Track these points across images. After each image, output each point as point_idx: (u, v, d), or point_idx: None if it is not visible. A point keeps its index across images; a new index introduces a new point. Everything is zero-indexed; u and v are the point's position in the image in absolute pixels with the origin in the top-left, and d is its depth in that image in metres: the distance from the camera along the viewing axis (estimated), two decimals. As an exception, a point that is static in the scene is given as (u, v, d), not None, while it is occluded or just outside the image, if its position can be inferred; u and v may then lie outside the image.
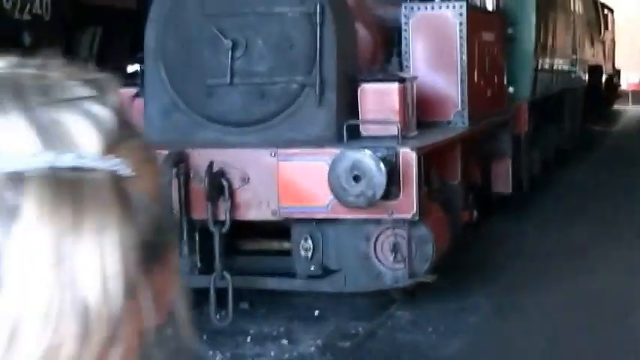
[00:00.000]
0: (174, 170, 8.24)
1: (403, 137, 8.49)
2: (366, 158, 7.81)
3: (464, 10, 10.01)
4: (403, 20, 10.08)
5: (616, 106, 36.45)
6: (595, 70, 26.27)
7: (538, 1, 14.49)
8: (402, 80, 8.82)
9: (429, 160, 9.04)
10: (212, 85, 8.64)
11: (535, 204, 14.53)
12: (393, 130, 8.47)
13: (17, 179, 0.96)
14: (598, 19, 27.27)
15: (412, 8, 10.11)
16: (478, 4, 11.71)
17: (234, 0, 8.59)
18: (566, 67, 18.38)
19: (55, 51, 1.14)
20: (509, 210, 13.46)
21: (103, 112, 1.03)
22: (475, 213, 11.46)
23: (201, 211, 8.34)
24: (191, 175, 8.31)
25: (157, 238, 1.05)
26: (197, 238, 8.43)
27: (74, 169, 0.98)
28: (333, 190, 7.90)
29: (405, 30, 10.09)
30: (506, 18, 12.98)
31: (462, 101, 10.03)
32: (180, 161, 8.29)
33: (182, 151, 8.32)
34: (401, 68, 9.99)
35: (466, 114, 10.04)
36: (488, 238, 12.21)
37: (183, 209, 8.31)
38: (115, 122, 1.03)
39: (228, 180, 8.27)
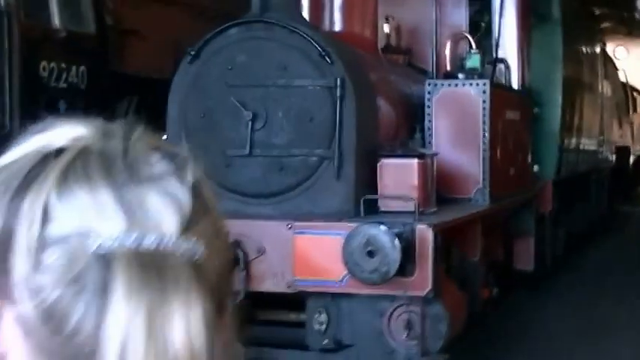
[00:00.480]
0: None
1: (421, 213, 8.40)
2: (381, 234, 7.74)
3: (487, 88, 9.98)
4: (427, 97, 10.04)
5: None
6: (623, 151, 26.15)
7: (565, 82, 14.47)
8: (421, 156, 8.77)
9: (448, 236, 8.98)
10: (231, 156, 8.63)
11: (557, 283, 14.41)
12: (411, 206, 8.43)
13: (107, 259, 1.05)
14: (627, 101, 27.21)
15: (436, 85, 10.08)
16: (504, 82, 11.68)
17: (256, 72, 8.59)
18: (592, 148, 18.32)
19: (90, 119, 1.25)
20: (531, 288, 13.34)
21: (181, 192, 1.13)
22: (495, 290, 11.37)
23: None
24: (207, 245, 8.27)
25: (222, 295, 1.17)
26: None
27: (157, 249, 1.07)
28: (347, 264, 7.82)
29: (429, 106, 10.05)
30: (532, 97, 12.94)
31: (484, 179, 9.96)
32: (196, 231, 8.25)
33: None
34: (424, 144, 9.96)
35: (487, 192, 9.96)
36: (507, 315, 12.09)
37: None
38: (191, 202, 1.13)
39: (243, 250, 8.23)
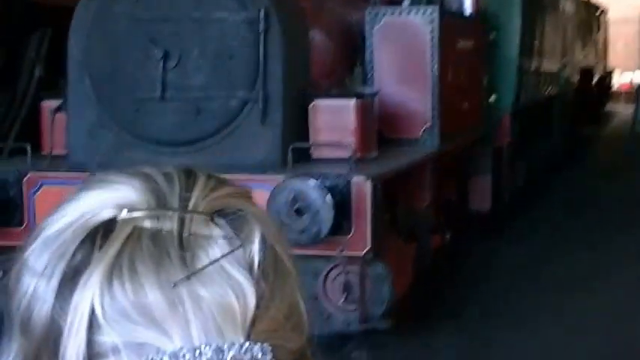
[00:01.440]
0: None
1: (359, 161, 7.38)
2: (310, 189, 6.71)
3: (436, 16, 8.85)
4: (367, 27, 8.92)
5: (608, 107, 35.33)
6: (586, 72, 25.17)
7: (523, 3, 13.35)
8: (359, 96, 7.69)
9: (392, 185, 7.95)
10: (141, 100, 7.52)
11: (515, 222, 13.38)
12: (348, 153, 7.42)
13: None
14: (590, 19, 26.16)
15: (377, 14, 8.94)
16: (454, 7, 10.58)
17: (168, 4, 7.48)
18: (554, 72, 17.22)
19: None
20: (488, 229, 12.29)
21: (244, 279, 0.99)
22: (448, 235, 10.37)
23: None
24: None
25: None
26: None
27: None
28: (272, 224, 6.81)
29: (369, 38, 8.95)
30: (488, 23, 11.82)
31: (433, 117, 8.87)
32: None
33: (105, 175, 7.24)
34: (364, 80, 8.90)
35: (437, 131, 8.88)
36: (460, 265, 11.08)
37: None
38: (255, 292, 0.99)
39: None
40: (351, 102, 7.56)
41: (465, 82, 10.04)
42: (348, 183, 6.85)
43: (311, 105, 7.59)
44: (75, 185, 1.08)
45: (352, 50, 8.99)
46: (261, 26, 7.30)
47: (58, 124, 7.84)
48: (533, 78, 14.67)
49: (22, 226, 7.36)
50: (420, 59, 8.86)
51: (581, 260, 11.12)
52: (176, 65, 7.42)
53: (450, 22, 9.51)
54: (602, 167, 20.70)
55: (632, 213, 14.18)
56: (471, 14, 10.70)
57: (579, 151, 22.39)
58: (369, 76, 8.88)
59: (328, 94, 7.63)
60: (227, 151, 7.41)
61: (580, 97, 23.03)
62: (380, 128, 8.72)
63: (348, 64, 8.93)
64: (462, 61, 9.93)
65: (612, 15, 33.83)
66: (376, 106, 8.30)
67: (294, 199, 6.69)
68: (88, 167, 7.21)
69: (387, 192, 7.87)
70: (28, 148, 7.60)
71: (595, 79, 28.18)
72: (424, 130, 8.87)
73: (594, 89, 28.29)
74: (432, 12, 8.84)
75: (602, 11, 30.73)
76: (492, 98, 12.28)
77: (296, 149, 7.26)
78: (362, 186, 6.86)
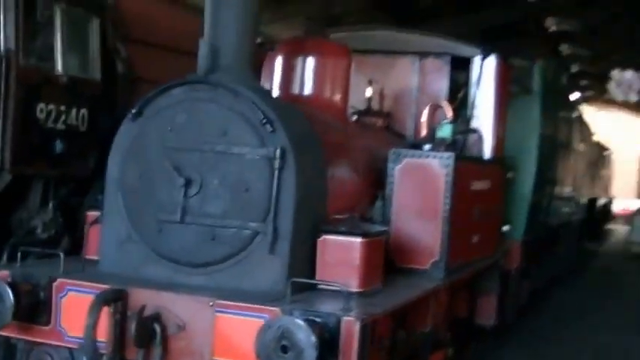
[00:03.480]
0: (112, 307, 5.65)
1: (362, 295, 5.81)
2: (297, 328, 5.06)
3: (451, 162, 7.21)
4: (390, 166, 7.33)
5: (609, 226, 33.64)
6: (593, 200, 23.32)
7: (540, 149, 11.66)
8: (366, 235, 6.05)
9: (396, 313, 6.34)
10: (164, 221, 5.98)
11: (518, 332, 11.57)
12: (353, 283, 5.82)
13: None
14: (599, 157, 24.31)
15: (399, 155, 7.34)
16: (476, 151, 8.91)
17: (195, 136, 5.95)
18: (564, 205, 15.40)
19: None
20: (492, 340, 10.52)
21: None
22: (451, 350, 8.62)
23: (134, 353, 5.69)
24: (128, 314, 5.67)
25: None
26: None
27: None
28: (259, 356, 5.16)
29: (391, 175, 7.34)
30: (506, 163, 10.12)
31: (440, 252, 7.21)
32: (117, 299, 5.67)
33: (121, 289, 5.70)
34: (384, 214, 7.29)
35: (443, 265, 7.19)
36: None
37: (117, 349, 5.67)
38: None
39: (162, 324, 5.60)
40: (357, 240, 5.93)
41: (479, 218, 8.34)
42: (339, 322, 5.21)
43: (320, 239, 5.97)
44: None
45: (376, 185, 7.37)
46: (277, 164, 5.75)
47: (93, 236, 6.38)
48: (545, 210, 12.89)
49: (48, 325, 5.89)
50: (434, 199, 7.21)
51: None
52: (197, 193, 5.88)
53: (466, 166, 7.85)
54: (598, 283, 18.76)
55: (609, 322, 12.48)
56: (490, 158, 8.98)
57: (582, 264, 20.43)
58: (388, 210, 7.24)
59: (336, 231, 5.98)
60: (237, 276, 5.84)
61: (587, 219, 21.12)
62: (392, 257, 7.13)
63: (372, 197, 7.32)
64: (476, 200, 8.25)
65: (616, 155, 32.41)
66: (389, 241, 6.74)
67: (282, 336, 5.07)
68: (113, 280, 5.75)
69: (394, 318, 6.30)
70: (62, 256, 6.11)
71: (600, 206, 26.26)
72: (432, 263, 7.20)
73: (599, 213, 26.38)
74: (448, 157, 7.21)
75: (610, 151, 29.00)
76: (506, 228, 10.58)
77: (298, 281, 5.64)
78: (351, 326, 5.21)
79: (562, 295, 15.65)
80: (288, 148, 5.78)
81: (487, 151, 8.98)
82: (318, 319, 5.20)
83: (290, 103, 6.61)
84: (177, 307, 5.57)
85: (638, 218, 25.30)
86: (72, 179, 9.02)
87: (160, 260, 6.00)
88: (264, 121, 5.78)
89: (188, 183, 5.84)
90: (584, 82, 38.71)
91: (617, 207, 36.26)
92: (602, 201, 27.19)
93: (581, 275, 18.90)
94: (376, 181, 7.38)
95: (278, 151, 5.73)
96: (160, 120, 6.05)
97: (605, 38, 26.48)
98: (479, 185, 8.31)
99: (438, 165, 7.22)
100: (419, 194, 7.25)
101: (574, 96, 20.39)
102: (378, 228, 6.47)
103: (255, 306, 5.38)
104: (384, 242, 6.40)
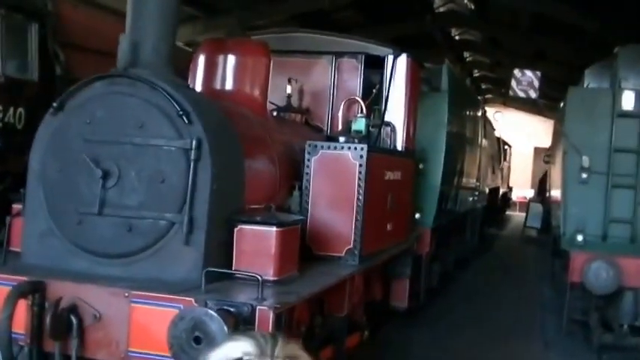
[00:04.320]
0: (30, 300, 4.99)
1: (277, 282, 5.26)
2: (209, 320, 4.49)
3: (364, 153, 6.71)
4: (306, 157, 6.79)
5: (508, 212, 33.64)
6: (495, 190, 23.10)
7: (447, 142, 11.22)
8: (281, 224, 5.49)
9: (312, 300, 5.81)
10: (83, 214, 5.34)
11: (429, 313, 11.14)
12: (269, 272, 5.26)
13: None
14: (500, 152, 24.11)
15: (316, 146, 6.80)
16: (389, 142, 8.40)
17: (113, 128, 5.32)
18: (469, 194, 15.03)
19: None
20: (405, 319, 10.05)
21: None
22: (366, 333, 8.11)
23: (52, 345, 5.04)
24: (46, 306, 5.02)
25: None
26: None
27: None
28: (171, 348, 4.57)
29: (308, 166, 6.80)
30: (417, 155, 9.65)
31: (355, 240, 6.68)
32: (35, 291, 5.01)
33: (39, 280, 5.05)
34: (301, 204, 6.74)
35: (357, 252, 6.69)
36: (380, 351, 8.83)
37: (35, 341, 5.02)
38: None
39: (78, 316, 4.97)
40: (272, 229, 5.36)
41: (391, 207, 7.83)
42: (253, 311, 4.64)
43: (236, 228, 5.39)
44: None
45: (294, 176, 6.81)
46: (193, 155, 5.15)
47: (15, 229, 5.71)
48: (452, 198, 12.47)
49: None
50: (349, 189, 6.69)
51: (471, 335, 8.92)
52: (115, 185, 5.25)
53: (379, 157, 7.35)
54: (498, 264, 18.47)
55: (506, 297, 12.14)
56: (402, 150, 8.48)
57: (485, 247, 20.16)
58: (305, 199, 6.70)
59: (252, 220, 5.40)
60: (154, 267, 5.22)
61: (489, 206, 20.86)
62: (309, 245, 6.60)
63: (290, 188, 6.77)
64: (389, 189, 7.75)
65: (514, 149, 32.44)
66: (306, 230, 6.21)
67: (194, 327, 4.48)
68: (33, 272, 5.08)
69: (310, 305, 5.77)
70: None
71: (500, 195, 26.10)
72: (347, 250, 6.67)
73: (499, 201, 26.21)
74: (362, 149, 6.68)
75: (509, 146, 28.91)
76: (417, 216, 10.13)
77: (218, 268, 5.07)
78: (265, 315, 4.64)
79: (467, 276, 15.29)
80: (204, 140, 5.19)
81: (399, 144, 8.48)
82: (232, 309, 4.63)
83: (208, 97, 6.01)
84: (94, 298, 4.94)
85: (532, 205, 25.17)
86: (9, 174, 8.46)
87: (80, 252, 5.36)
88: (181, 113, 5.18)
89: (106, 175, 5.22)
90: (485, 86, 38.75)
91: (515, 196, 36.36)
92: (502, 190, 27.03)
93: (484, 257, 18.61)
94: (294, 173, 6.83)
95: (194, 143, 5.13)
96: (80, 113, 5.41)
97: (504, 48, 26.33)
98: (391, 175, 7.81)
99: (352, 156, 6.70)
100: (334, 184, 6.72)
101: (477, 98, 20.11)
102: (294, 217, 5.91)
103: (170, 296, 4.78)
104: (300, 231, 5.83)
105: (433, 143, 10.89)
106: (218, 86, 6.76)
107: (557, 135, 14.18)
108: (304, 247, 6.53)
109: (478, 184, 16.28)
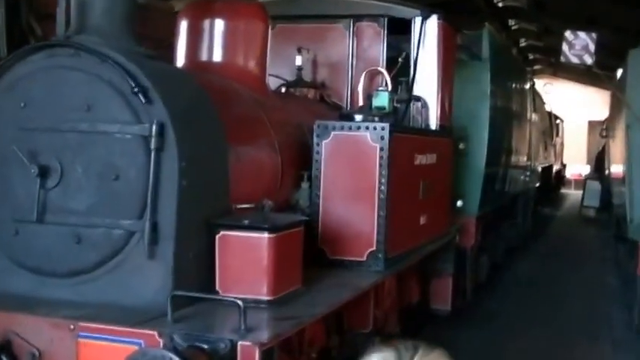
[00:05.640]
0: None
1: (273, 304, 4.17)
2: (168, 365, 3.43)
3: (386, 134, 5.56)
4: (315, 141, 5.67)
5: (563, 190, 32.17)
6: (547, 169, 21.77)
7: (492, 118, 10.01)
8: (275, 228, 4.38)
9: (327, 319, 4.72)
10: (20, 222, 4.31)
11: (477, 313, 9.97)
12: (262, 291, 4.18)
13: None
14: (551, 127, 22.73)
15: (326, 127, 5.69)
16: (420, 120, 7.25)
17: (53, 113, 4.25)
18: (520, 174, 13.76)
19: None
20: (450, 322, 8.90)
21: None
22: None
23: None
24: (-27, 344, 3.99)
25: None
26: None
27: None
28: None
29: (318, 153, 5.68)
30: (456, 134, 8.47)
31: (378, 241, 5.55)
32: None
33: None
34: (311, 198, 5.64)
35: (382, 255, 5.54)
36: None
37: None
38: None
39: (12, 355, 3.93)
40: (264, 235, 4.26)
41: (425, 196, 6.70)
42: (234, 348, 3.56)
43: (218, 236, 4.30)
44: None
45: (302, 164, 5.71)
46: (154, 143, 4.06)
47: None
48: (500, 181, 11.25)
49: None
50: (368, 178, 5.57)
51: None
52: (57, 184, 4.20)
53: (407, 138, 6.20)
54: (556, 249, 17.15)
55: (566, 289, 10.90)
56: (437, 129, 7.32)
57: (540, 231, 18.83)
58: (315, 192, 5.59)
59: (238, 225, 4.31)
60: (110, 288, 4.17)
61: (542, 185, 19.54)
62: (323, 248, 5.50)
63: (297, 179, 5.67)
64: (422, 174, 6.61)
65: (567, 123, 31.02)
66: (317, 229, 5.13)
67: (150, 376, 3.41)
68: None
69: (326, 322, 4.69)
70: None
71: (554, 173, 24.74)
72: (369, 254, 5.55)
73: (553, 179, 24.85)
74: (383, 128, 5.54)
75: (561, 120, 27.49)
76: (459, 203, 8.97)
77: (191, 290, 3.99)
78: (250, 353, 3.56)
79: (520, 267, 14.06)
80: (168, 124, 4.10)
81: (433, 121, 7.32)
82: (205, 346, 3.56)
83: (182, 70, 4.92)
84: (32, 331, 3.91)
85: (589, 183, 23.81)
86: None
87: (18, 270, 4.32)
88: (136, 89, 4.08)
89: (44, 172, 4.17)
90: (533, 56, 37.19)
91: (569, 173, 34.90)
92: (555, 168, 25.69)
93: (539, 243, 17.33)
94: (302, 160, 5.72)
95: (154, 128, 4.04)
96: (12, 95, 4.36)
97: (552, 13, 24.87)
98: (423, 159, 6.66)
99: (372, 137, 5.57)
100: (350, 173, 5.61)
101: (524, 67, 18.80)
102: (293, 218, 4.80)
103: (126, 329, 3.73)
104: (304, 234, 4.72)
105: (475, 119, 9.70)
106: (204, 57, 5.69)
107: (616, 107, 12.88)
108: (316, 251, 5.46)
109: (529, 162, 15.02)
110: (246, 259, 4.27)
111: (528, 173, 14.85)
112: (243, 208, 4.66)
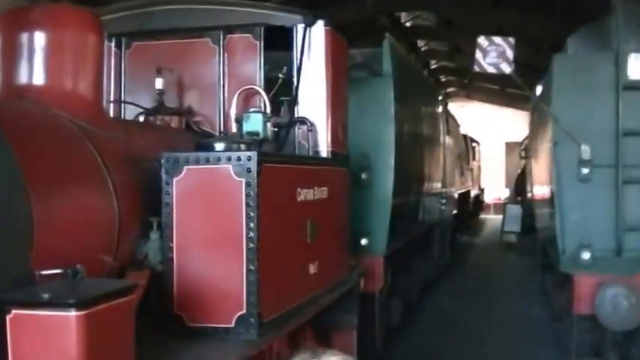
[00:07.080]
0: None
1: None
2: None
3: (253, 165, 4.53)
4: (164, 179, 4.60)
5: (482, 216, 31.75)
6: (465, 195, 21.10)
7: (399, 142, 9.07)
8: (87, 303, 3.26)
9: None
10: None
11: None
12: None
13: None
14: (467, 150, 22.14)
15: (177, 160, 4.61)
16: (307, 147, 6.25)
17: None
18: (434, 202, 12.89)
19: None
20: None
21: None
22: None
23: None
24: None
25: None
26: None
27: None
28: None
29: (168, 193, 4.60)
30: (354, 163, 7.49)
31: (249, 302, 4.48)
32: None
33: None
34: (162, 250, 4.56)
35: (254, 320, 4.48)
36: None
37: None
38: None
39: None
40: (71, 314, 3.15)
41: (317, 237, 5.67)
42: None
43: (9, 316, 3.17)
44: None
45: (152, 209, 4.62)
46: None
47: None
48: (411, 212, 10.32)
49: None
50: (232, 222, 4.51)
51: None
52: None
53: (284, 169, 5.16)
54: (476, 281, 16.36)
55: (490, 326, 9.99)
56: (328, 156, 6.32)
57: (459, 260, 18.03)
58: (167, 244, 4.50)
59: (35, 301, 3.18)
60: None
61: (459, 212, 18.82)
62: (179, 313, 4.41)
63: (144, 228, 4.57)
64: (309, 213, 5.58)
65: (483, 146, 30.80)
66: (172, 290, 4.02)
67: None
68: None
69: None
70: None
71: (471, 198, 24.17)
72: (238, 318, 4.49)
73: (471, 205, 24.27)
74: (249, 158, 4.49)
75: (477, 143, 27.05)
76: (364, 242, 7.99)
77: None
78: None
79: (438, 303, 13.13)
80: None
81: (323, 148, 6.33)
82: None
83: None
84: None
85: (509, 207, 23.29)
86: None
87: None
88: None
89: None
90: (445, 78, 36.89)
91: (488, 197, 34.57)
92: (473, 193, 25.11)
93: (458, 274, 16.49)
94: (153, 204, 4.62)
95: None
96: None
97: (460, 29, 24.42)
98: (309, 194, 5.64)
99: (235, 170, 4.52)
100: (210, 217, 4.55)
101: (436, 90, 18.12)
102: (118, 284, 3.68)
103: None
104: (135, 305, 3.61)
105: (379, 144, 8.77)
106: (23, 80, 4.56)
107: (537, 124, 12.16)
108: (171, 318, 4.38)
109: (444, 189, 14.20)
110: (48, 348, 3.15)
111: (444, 200, 14.01)
112: (50, 274, 3.53)
